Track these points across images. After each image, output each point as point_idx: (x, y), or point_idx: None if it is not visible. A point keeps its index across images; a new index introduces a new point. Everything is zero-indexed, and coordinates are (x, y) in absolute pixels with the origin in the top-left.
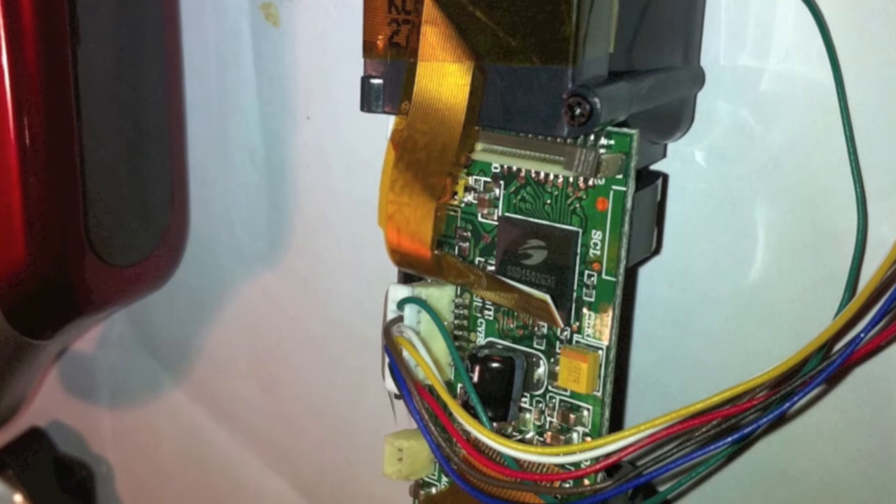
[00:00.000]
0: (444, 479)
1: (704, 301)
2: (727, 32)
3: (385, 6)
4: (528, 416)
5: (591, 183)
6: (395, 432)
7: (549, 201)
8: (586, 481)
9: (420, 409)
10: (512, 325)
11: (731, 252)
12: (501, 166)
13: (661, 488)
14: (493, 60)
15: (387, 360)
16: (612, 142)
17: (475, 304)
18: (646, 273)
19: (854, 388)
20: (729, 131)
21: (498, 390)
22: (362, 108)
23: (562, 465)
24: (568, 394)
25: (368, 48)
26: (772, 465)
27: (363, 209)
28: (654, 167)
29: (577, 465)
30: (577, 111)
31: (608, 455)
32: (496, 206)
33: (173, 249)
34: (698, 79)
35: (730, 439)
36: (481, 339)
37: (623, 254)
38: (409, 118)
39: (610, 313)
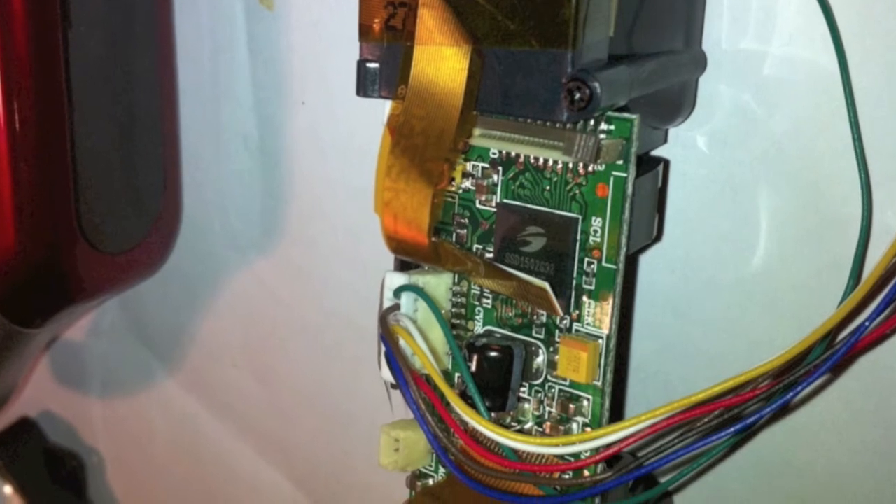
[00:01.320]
0: (442, 470)
1: (706, 289)
2: (729, 15)
3: None
4: (526, 406)
5: (590, 169)
6: (391, 422)
7: (548, 187)
8: (586, 472)
9: (417, 399)
10: (510, 314)
11: (733, 239)
12: (500, 152)
13: (663, 479)
14: (492, 44)
15: (383, 349)
16: (612, 127)
17: (473, 292)
18: (646, 260)
19: (858, 377)
20: (731, 116)
21: (496, 380)
22: (358, 93)
23: (561, 456)
24: (567, 383)
25: (364, 31)
26: (775, 455)
27: (359, 196)
28: (654, 153)
29: (576, 455)
30: (577, 96)
31: (608, 446)
32: (494, 193)
33: (166, 236)
34: (700, 63)
35: (732, 430)
36: (479, 328)
37: (623, 241)
38: (406, 103)
39: (610, 301)
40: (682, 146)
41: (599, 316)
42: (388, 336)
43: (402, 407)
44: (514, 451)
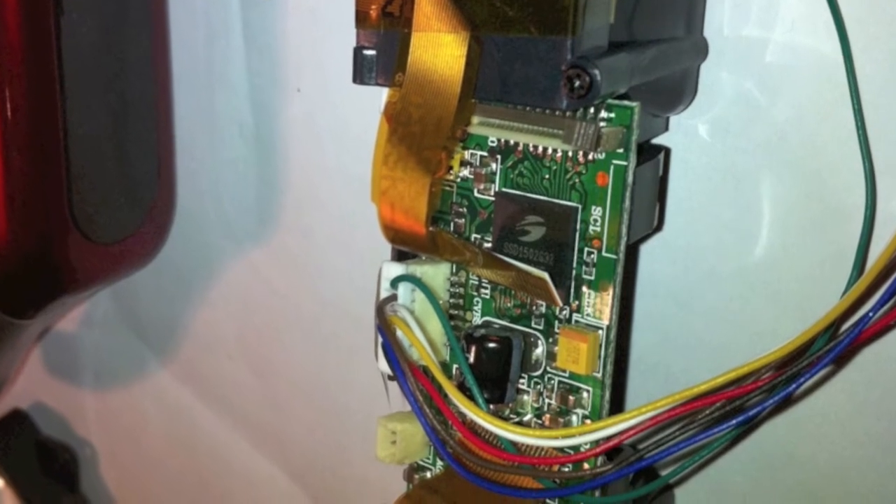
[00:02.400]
0: (439, 462)
1: (708, 279)
2: (731, 2)
3: None
4: (525, 398)
5: (590, 157)
6: (388, 414)
7: (547, 176)
8: (586, 465)
9: (414, 391)
10: (509, 304)
11: (735, 228)
12: (498, 140)
13: (664, 472)
14: (490, 31)
15: (380, 339)
16: (612, 115)
17: (471, 282)
18: (647, 250)
19: (862, 368)
20: (733, 104)
21: (495, 371)
22: (355, 80)
23: (560, 449)
24: (567, 375)
25: (361, 18)
26: (777, 448)
27: (356, 184)
28: (655, 141)
29: (576, 448)
30: (577, 83)
31: (608, 438)
32: (493, 181)
33: (160, 226)
34: (701, 50)
35: (734, 422)
36: (478, 319)
37: (624, 230)
38: (403, 90)
39: (610, 292)
40: (684, 134)
41: (599, 306)
42: (385, 327)
43: (400, 399)
44: (513, 444)
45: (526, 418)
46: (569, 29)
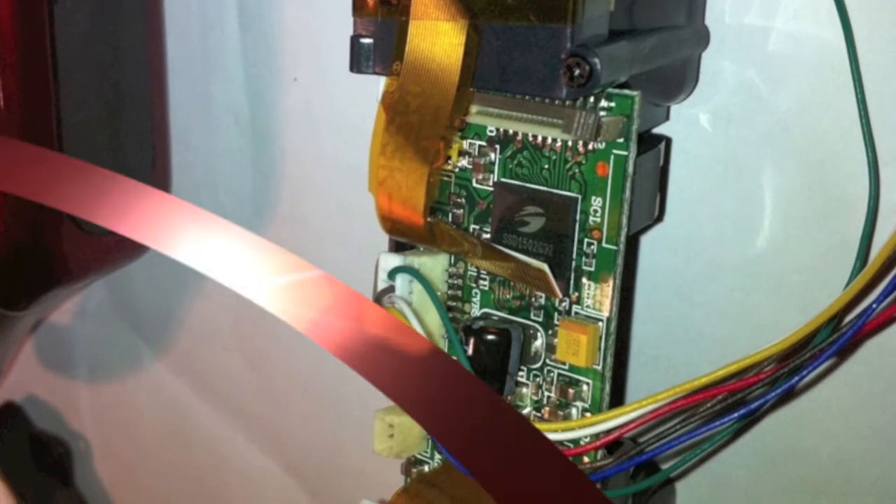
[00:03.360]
0: (437, 456)
1: (709, 270)
2: None
3: None
4: (525, 390)
5: (590, 147)
6: (385, 407)
7: (546, 166)
8: (586, 459)
9: None
10: (508, 296)
11: (737, 219)
12: (497, 129)
13: (664, 466)
14: (489, 19)
15: None
16: (612, 104)
17: (470, 273)
18: (648, 241)
19: (865, 361)
20: (735, 93)
21: (493, 364)
22: (352, 69)
23: (560, 442)
24: (567, 367)
25: (358, 6)
26: (780, 441)
27: (353, 174)
28: (656, 130)
29: (576, 441)
30: (577, 72)
31: (609, 431)
32: (492, 172)
33: None
34: (703, 38)
35: (736, 415)
36: (476, 311)
37: (624, 221)
38: (401, 79)
39: (610, 283)
40: (685, 124)
41: (599, 298)
42: None
43: None
44: None
45: (525, 411)
46: (568, 17)
